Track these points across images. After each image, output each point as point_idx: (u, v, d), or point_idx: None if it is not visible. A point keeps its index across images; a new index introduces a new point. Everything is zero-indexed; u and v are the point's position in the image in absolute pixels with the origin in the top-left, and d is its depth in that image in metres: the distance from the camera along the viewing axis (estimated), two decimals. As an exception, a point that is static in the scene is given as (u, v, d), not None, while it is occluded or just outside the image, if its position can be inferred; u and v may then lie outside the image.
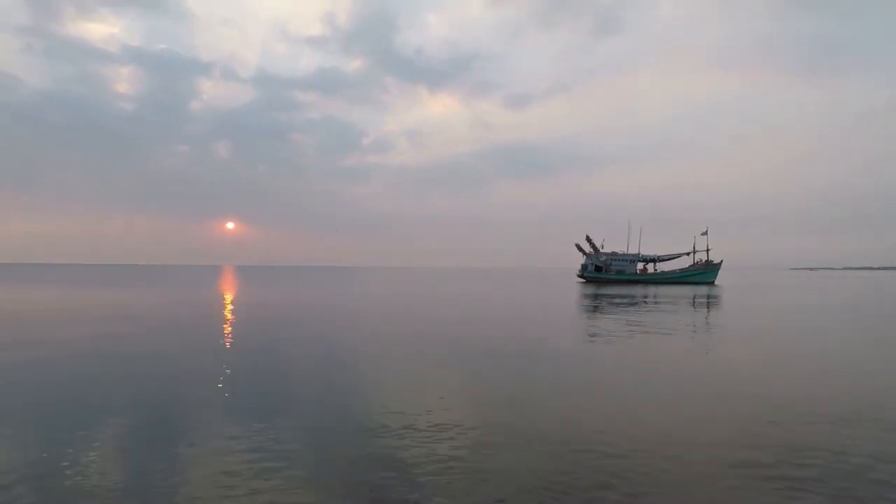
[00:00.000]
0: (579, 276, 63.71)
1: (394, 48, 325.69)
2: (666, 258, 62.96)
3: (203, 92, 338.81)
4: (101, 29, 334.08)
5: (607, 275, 61.65)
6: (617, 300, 28.69)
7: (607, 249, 63.36)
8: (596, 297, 32.42)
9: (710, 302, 28.17)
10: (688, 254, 61.76)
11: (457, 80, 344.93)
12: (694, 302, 27.98)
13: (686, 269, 61.91)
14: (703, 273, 60.35)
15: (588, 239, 63.57)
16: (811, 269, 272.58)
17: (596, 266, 62.53)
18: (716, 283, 58.77)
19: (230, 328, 15.36)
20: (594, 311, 21.84)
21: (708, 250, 61.17)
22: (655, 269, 63.21)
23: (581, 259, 64.07)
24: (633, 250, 63.69)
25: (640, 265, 63.14)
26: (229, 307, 23.18)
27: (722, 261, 60.67)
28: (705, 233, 61.17)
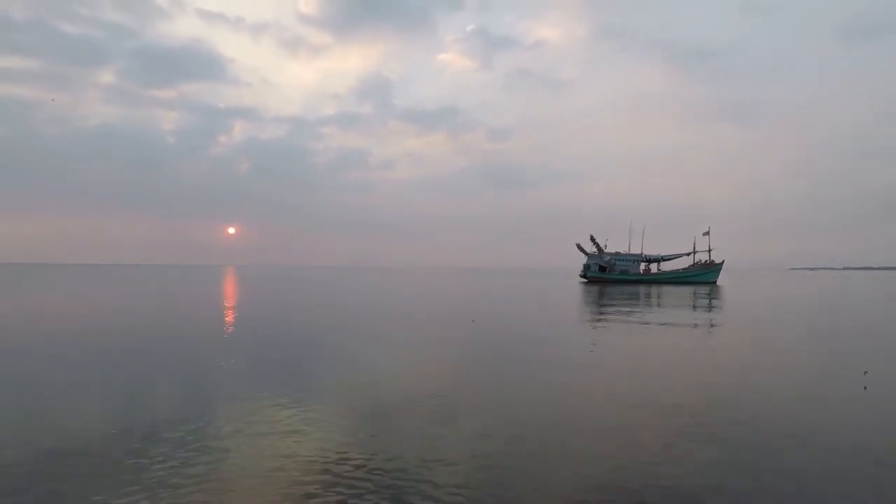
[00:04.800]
0: (582, 276, 64.27)
1: (395, 104, 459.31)
2: (669, 258, 63.57)
3: (236, 129, 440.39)
4: (172, 93, 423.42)
5: (611, 274, 62.21)
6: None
7: (610, 250, 63.95)
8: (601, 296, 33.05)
9: (711, 299, 28.90)
10: (688, 254, 62.43)
11: (447, 122, 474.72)
12: (695, 300, 28.68)
13: (687, 268, 62.52)
14: (704, 273, 60.94)
15: (592, 239, 64.02)
16: (811, 269, 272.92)
17: (600, 266, 63.04)
18: (717, 282, 59.42)
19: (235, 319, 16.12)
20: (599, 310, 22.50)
21: (710, 250, 61.76)
22: (659, 269, 63.82)
23: (583, 259, 64.51)
24: (631, 251, 64.29)
25: (642, 265, 63.74)
26: (232, 305, 23.86)
27: (723, 261, 61.28)
28: (707, 233, 61.81)
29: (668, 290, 42.86)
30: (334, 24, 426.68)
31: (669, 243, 79.29)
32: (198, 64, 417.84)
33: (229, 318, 18.32)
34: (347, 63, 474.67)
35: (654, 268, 63.91)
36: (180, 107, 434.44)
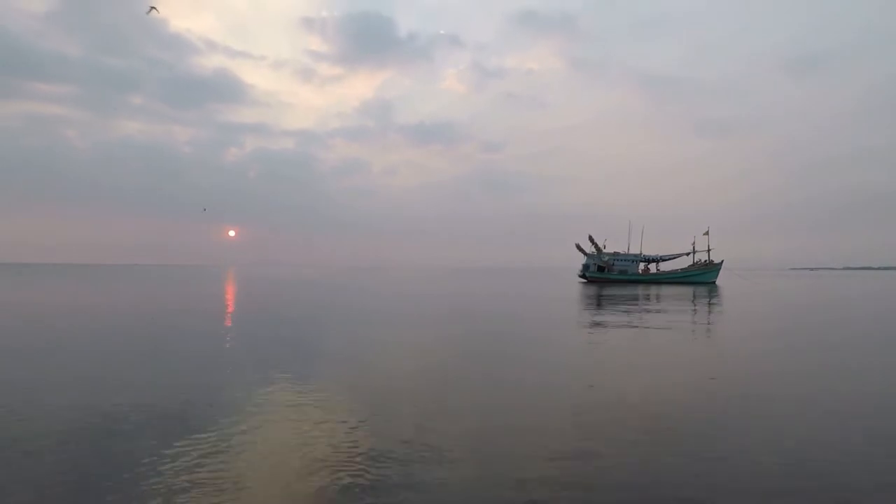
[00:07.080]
0: (580, 276, 64.35)
1: (395, 121, 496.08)
2: (668, 258, 63.74)
3: (248, 141, 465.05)
4: (193, 114, 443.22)
5: (610, 274, 62.37)
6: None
7: (608, 250, 64.13)
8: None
9: (711, 299, 29.09)
10: (687, 254, 62.67)
11: (443, 136, 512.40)
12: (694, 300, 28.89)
13: (687, 268, 62.72)
14: (703, 273, 61.15)
15: (591, 239, 64.17)
16: (811, 269, 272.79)
17: (599, 266, 63.20)
18: (716, 282, 59.61)
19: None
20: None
21: (709, 250, 61.98)
22: (658, 269, 63.97)
23: (582, 259, 64.65)
24: (630, 251, 64.45)
25: (641, 265, 63.89)
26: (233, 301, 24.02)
27: (723, 261, 61.50)
28: (707, 233, 62.05)
29: (667, 290, 43.05)
30: (343, 59, 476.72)
31: (669, 243, 79.63)
32: (220, 88, 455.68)
33: (230, 318, 18.52)
34: (354, 89, 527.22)
35: (653, 268, 64.10)
36: (199, 123, 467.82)
